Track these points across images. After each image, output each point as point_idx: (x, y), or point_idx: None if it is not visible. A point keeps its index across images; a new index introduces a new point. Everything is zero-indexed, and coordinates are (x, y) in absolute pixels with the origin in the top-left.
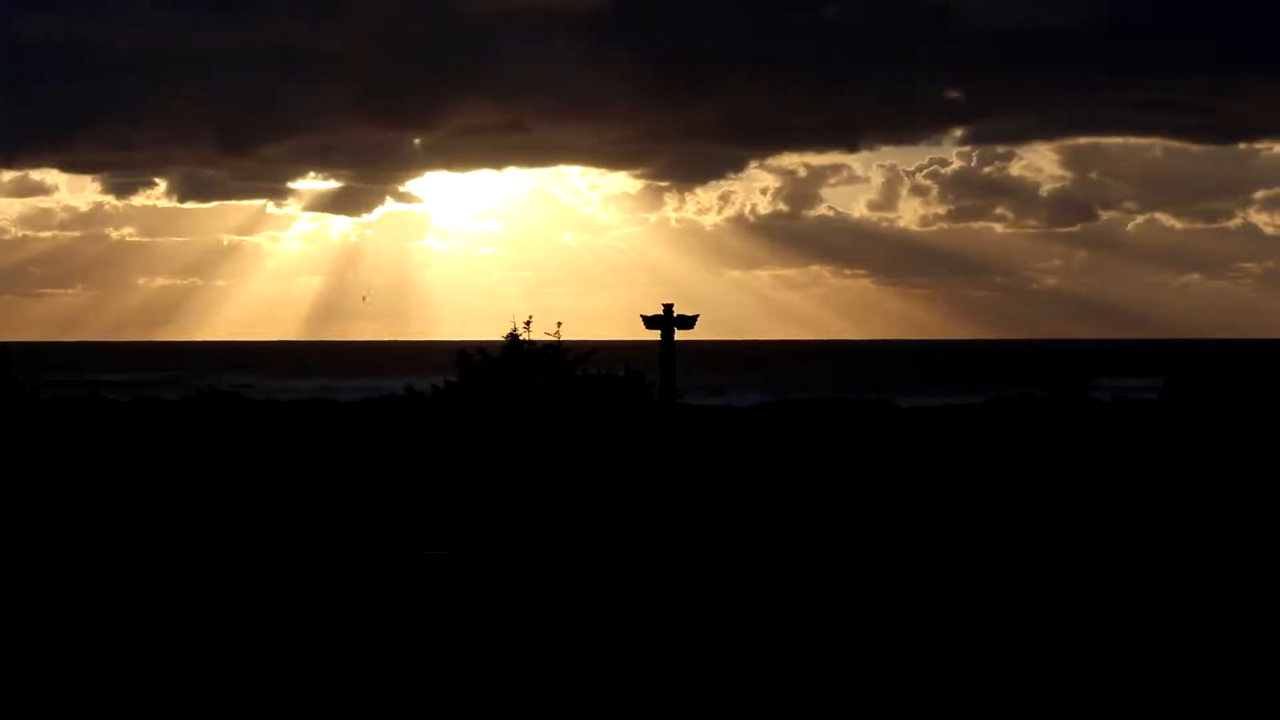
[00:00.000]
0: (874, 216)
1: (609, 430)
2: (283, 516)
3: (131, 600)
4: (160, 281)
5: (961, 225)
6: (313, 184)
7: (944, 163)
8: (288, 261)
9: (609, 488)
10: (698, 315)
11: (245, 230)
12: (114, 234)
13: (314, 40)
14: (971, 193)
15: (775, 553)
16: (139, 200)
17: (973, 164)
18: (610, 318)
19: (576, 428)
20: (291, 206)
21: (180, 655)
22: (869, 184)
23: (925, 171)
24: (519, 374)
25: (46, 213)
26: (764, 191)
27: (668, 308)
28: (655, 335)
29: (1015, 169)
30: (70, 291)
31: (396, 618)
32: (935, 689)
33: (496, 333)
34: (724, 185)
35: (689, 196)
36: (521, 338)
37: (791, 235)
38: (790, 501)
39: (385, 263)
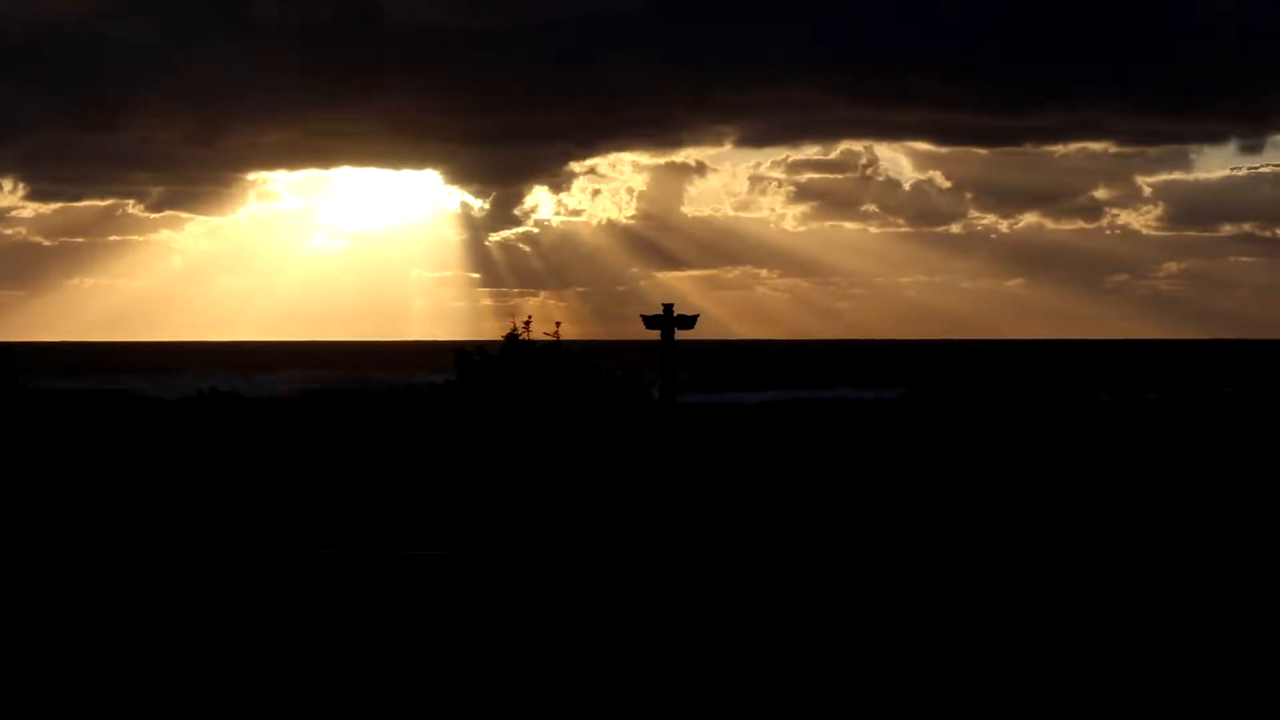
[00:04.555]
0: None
1: (609, 429)
2: (281, 516)
3: (130, 600)
4: None
5: (826, 226)
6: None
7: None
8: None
9: (609, 487)
10: (698, 315)
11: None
12: None
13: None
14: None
15: (776, 552)
16: None
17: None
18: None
19: (576, 426)
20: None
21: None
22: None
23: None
24: (519, 373)
25: None
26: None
27: (668, 307)
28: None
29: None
30: None
31: (393, 619)
32: (935, 688)
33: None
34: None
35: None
36: (521, 337)
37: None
38: (791, 500)
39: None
